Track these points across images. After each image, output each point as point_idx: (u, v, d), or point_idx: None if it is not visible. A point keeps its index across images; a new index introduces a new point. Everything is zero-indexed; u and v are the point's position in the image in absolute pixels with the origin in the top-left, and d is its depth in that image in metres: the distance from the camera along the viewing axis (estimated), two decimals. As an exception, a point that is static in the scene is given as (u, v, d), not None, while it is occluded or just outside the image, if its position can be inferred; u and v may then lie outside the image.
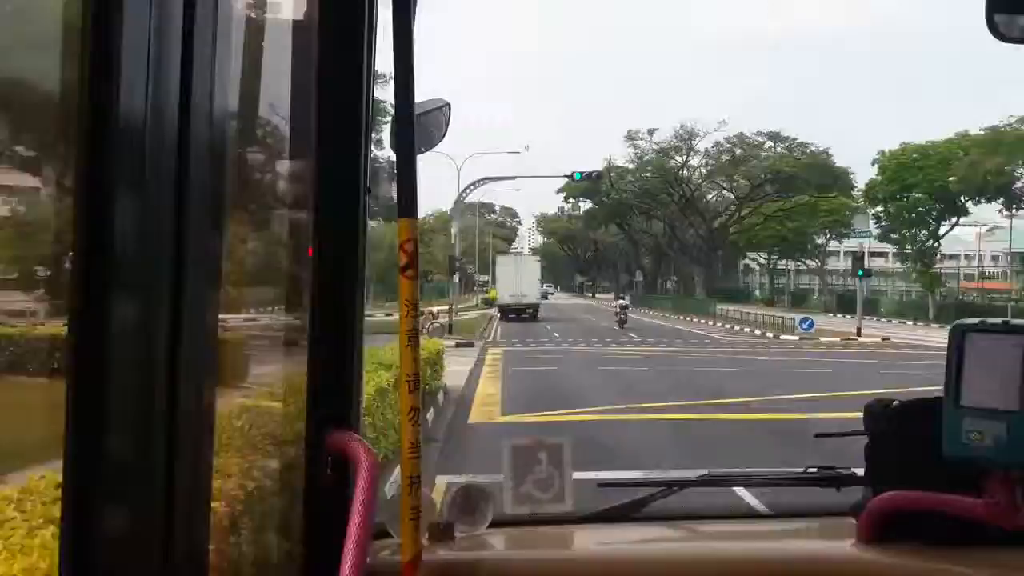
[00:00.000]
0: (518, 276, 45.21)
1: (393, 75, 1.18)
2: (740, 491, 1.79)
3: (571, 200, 76.88)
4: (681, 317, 49.87)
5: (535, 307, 45.25)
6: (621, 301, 41.12)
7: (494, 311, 47.24)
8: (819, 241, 67.59)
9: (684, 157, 67.94)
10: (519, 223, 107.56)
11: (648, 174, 69.07)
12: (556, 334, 33.08)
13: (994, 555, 1.35)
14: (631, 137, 68.78)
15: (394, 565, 1.27)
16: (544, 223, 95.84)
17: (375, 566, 1.34)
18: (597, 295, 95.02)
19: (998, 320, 1.27)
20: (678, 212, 68.88)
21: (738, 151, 66.14)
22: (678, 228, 70.24)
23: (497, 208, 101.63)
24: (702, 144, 67.68)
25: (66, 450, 0.69)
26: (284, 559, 1.40)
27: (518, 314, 43.76)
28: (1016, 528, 1.28)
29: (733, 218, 68.32)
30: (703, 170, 69.07)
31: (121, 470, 0.70)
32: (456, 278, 41.91)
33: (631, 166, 69.26)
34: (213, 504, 0.86)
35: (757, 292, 76.45)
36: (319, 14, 1.30)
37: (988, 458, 1.25)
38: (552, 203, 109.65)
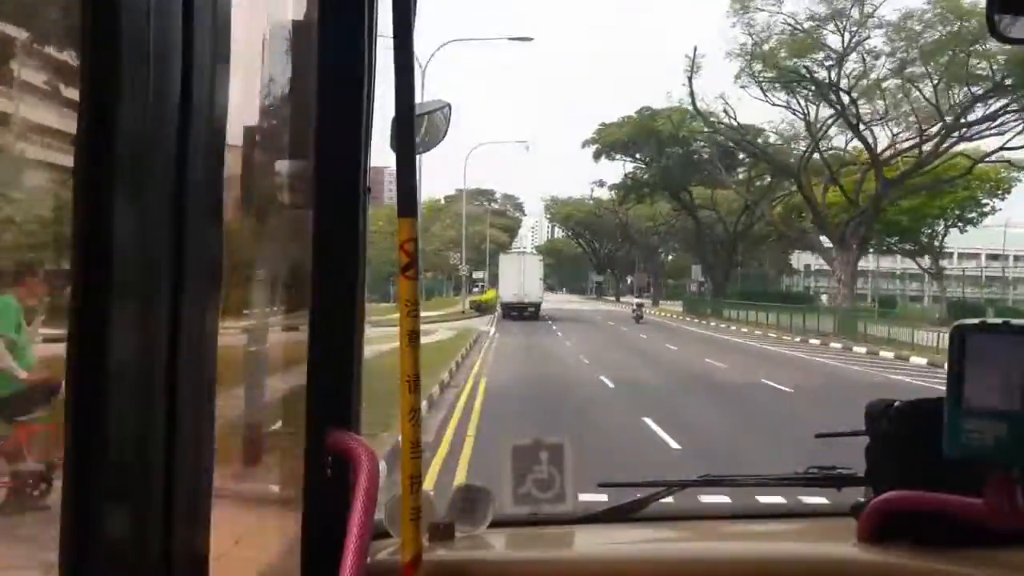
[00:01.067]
0: (521, 275, 44.04)
1: (393, 75, 1.18)
2: (740, 491, 1.79)
3: (605, 156, 50.13)
4: (841, 348, 26.87)
5: (537, 306, 44.38)
6: (637, 300, 48.54)
7: (486, 324, 35.84)
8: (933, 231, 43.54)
9: (845, 38, 34.31)
10: (522, 215, 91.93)
11: (769, 74, 36.44)
12: (622, 392, 15.06)
13: (994, 555, 1.35)
14: (743, 7, 35.00)
15: (394, 565, 1.27)
16: (555, 207, 79.82)
17: (375, 566, 1.34)
18: (622, 299, 77.84)
19: (999, 320, 1.27)
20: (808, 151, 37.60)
21: (948, 28, 32.24)
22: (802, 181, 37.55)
23: (497, 196, 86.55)
24: (881, 11, 34.30)
25: (66, 450, 0.69)
26: (284, 559, 1.40)
27: (520, 312, 42.66)
28: (1017, 528, 1.28)
29: (940, 152, 34.50)
30: (884, 66, 34.73)
31: (121, 470, 0.70)
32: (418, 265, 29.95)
33: (738, 63, 36.53)
34: (213, 504, 0.86)
35: (825, 298, 46.45)
36: (319, 14, 1.30)
37: (989, 458, 1.25)
38: (566, 190, 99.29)
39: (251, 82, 1.24)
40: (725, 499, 1.83)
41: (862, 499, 1.51)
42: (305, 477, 1.32)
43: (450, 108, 1.52)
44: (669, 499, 1.65)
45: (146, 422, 0.72)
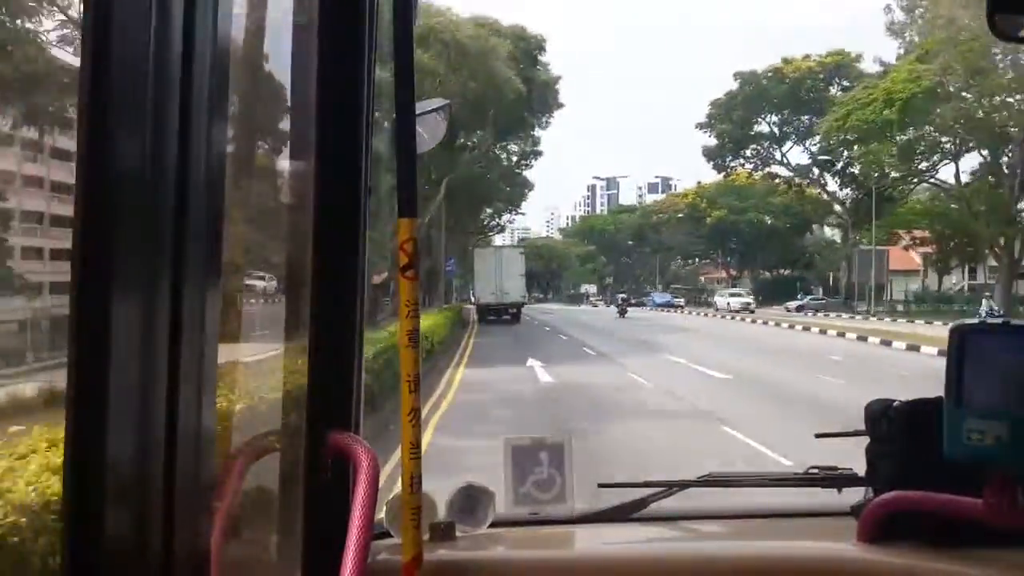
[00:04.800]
0: (499, 272, 37.44)
1: (393, 75, 1.18)
2: (740, 491, 1.79)
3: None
4: None
5: (519, 307, 38.32)
6: (621, 295, 47.17)
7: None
8: None
9: None
10: (558, 81, 42.64)
11: None
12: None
13: (994, 555, 1.35)
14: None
15: (394, 565, 1.27)
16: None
17: (375, 566, 1.34)
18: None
19: (998, 320, 1.27)
20: None
21: None
22: None
23: (502, 24, 36.70)
24: None
25: (67, 450, 0.69)
26: (284, 559, 1.40)
27: (498, 314, 36.44)
28: (1016, 528, 1.28)
29: None
30: None
31: (122, 470, 0.70)
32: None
33: None
34: (214, 504, 0.86)
35: None
36: (319, 14, 1.30)
37: (989, 458, 1.25)
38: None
39: (252, 83, 1.24)
40: (725, 499, 1.83)
41: (862, 499, 1.51)
42: (305, 478, 1.32)
43: (449, 107, 1.53)
44: (669, 499, 1.65)
45: (146, 422, 0.72)
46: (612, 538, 1.62)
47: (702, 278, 67.31)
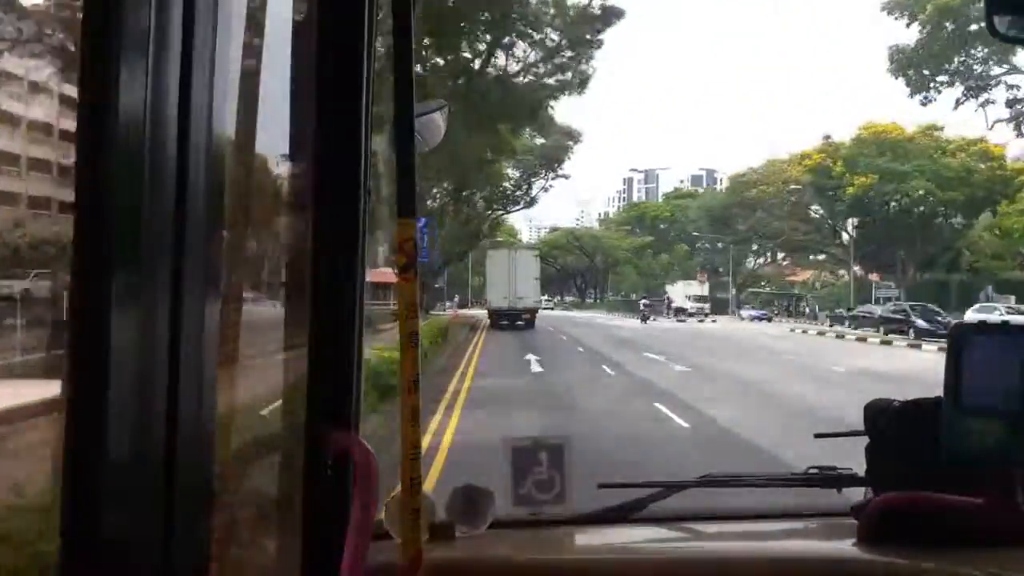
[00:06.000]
0: (512, 275, 34.81)
1: (393, 76, 1.18)
2: (740, 491, 1.79)
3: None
4: None
5: (532, 312, 35.64)
6: (644, 300, 46.65)
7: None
8: None
9: None
10: None
11: None
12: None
13: (994, 556, 1.35)
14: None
15: (394, 565, 1.27)
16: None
17: (375, 566, 1.33)
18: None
19: (997, 320, 1.28)
20: None
21: None
22: None
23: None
24: None
25: (66, 450, 0.69)
26: (284, 559, 1.40)
27: (511, 320, 33.93)
28: (1016, 528, 1.28)
29: None
30: None
31: (121, 470, 0.70)
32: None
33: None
34: (214, 504, 0.86)
35: None
36: (318, 14, 1.30)
37: (988, 458, 1.25)
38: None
39: (251, 82, 1.24)
40: (724, 500, 1.83)
41: (862, 499, 1.51)
42: (305, 478, 1.31)
43: (448, 108, 1.53)
44: (669, 500, 1.65)
45: (146, 421, 0.72)
46: (611, 539, 1.62)
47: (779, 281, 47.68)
